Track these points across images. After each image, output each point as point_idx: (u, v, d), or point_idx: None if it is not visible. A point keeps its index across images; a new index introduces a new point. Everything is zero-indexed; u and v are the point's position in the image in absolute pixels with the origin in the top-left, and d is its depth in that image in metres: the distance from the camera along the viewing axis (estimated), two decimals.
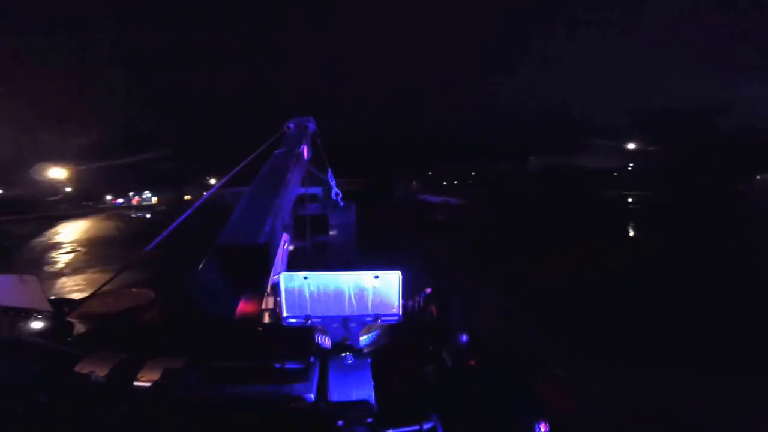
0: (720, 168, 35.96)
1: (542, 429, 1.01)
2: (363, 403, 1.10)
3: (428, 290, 1.84)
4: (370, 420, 1.03)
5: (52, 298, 1.60)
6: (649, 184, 43.08)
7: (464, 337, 1.48)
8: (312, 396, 1.08)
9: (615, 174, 64.11)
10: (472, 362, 1.42)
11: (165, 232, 1.85)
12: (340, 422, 1.01)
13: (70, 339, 1.50)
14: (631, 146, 46.22)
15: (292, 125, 2.81)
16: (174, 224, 1.96)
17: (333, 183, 3.77)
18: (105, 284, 1.70)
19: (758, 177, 37.30)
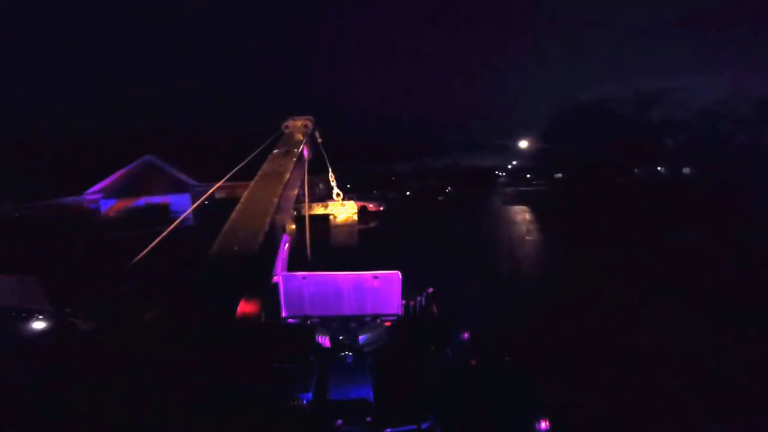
0: (607, 161, 35.84)
1: (543, 426, 1.01)
2: (362, 402, 1.10)
3: (430, 290, 1.84)
4: (368, 419, 1.04)
5: (52, 298, 1.61)
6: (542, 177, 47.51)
7: (465, 336, 1.48)
8: (311, 395, 1.09)
9: (497, 172, 74.35)
10: (473, 361, 1.42)
11: (156, 240, 1.87)
12: (339, 421, 1.02)
13: (71, 339, 1.50)
14: (523, 144, 48.48)
15: (290, 125, 2.80)
16: (166, 231, 1.98)
17: (334, 183, 3.77)
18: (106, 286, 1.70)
19: (636, 170, 37.80)
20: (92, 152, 23.43)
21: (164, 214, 18.35)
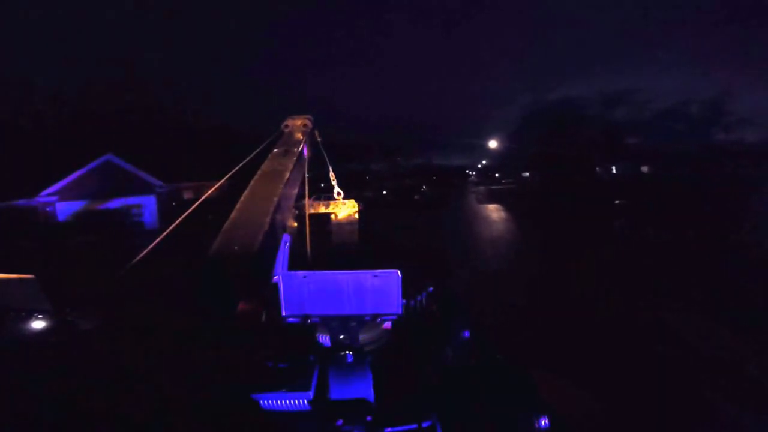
0: (569, 160, 36.28)
1: (542, 424, 1.01)
2: (362, 402, 1.10)
3: (430, 289, 1.83)
4: (368, 418, 1.03)
5: (52, 298, 1.61)
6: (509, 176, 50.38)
7: (466, 335, 1.48)
8: (311, 394, 1.09)
9: (467, 171, 77.59)
10: (473, 360, 1.42)
11: (159, 238, 1.86)
12: (339, 420, 1.01)
13: (71, 339, 1.50)
14: (492, 144, 51.77)
15: (290, 124, 2.80)
16: (169, 228, 1.98)
17: (334, 182, 3.78)
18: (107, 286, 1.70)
19: (598, 169, 38.26)
20: (47, 150, 20.46)
21: (126, 217, 17.22)
